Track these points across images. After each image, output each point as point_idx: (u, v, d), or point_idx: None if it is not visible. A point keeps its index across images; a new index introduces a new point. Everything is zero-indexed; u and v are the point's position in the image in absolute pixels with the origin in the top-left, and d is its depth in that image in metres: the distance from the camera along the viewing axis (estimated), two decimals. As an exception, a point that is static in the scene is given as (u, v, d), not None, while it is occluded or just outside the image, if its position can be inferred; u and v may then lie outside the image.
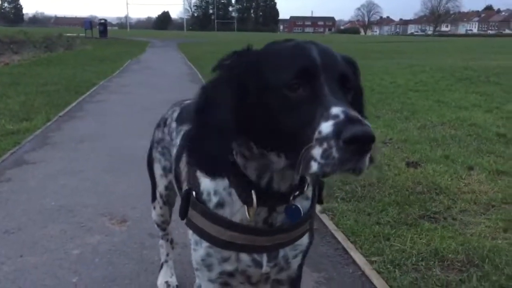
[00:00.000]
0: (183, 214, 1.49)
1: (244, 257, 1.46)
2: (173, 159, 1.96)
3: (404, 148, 5.61)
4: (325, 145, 1.02)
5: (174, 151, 1.95)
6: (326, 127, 1.03)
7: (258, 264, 1.48)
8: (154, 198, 2.40)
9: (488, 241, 3.22)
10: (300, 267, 1.64)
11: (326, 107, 1.07)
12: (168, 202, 2.37)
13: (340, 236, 3.31)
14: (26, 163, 4.93)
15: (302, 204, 1.46)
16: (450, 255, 3.01)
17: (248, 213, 1.36)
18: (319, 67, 1.15)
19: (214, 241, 1.42)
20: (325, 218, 3.60)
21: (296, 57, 1.18)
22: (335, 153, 1.01)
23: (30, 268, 2.84)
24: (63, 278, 2.74)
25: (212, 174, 1.29)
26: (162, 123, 2.18)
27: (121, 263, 2.93)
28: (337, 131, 1.00)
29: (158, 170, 2.24)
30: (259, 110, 1.18)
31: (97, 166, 4.81)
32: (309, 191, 1.49)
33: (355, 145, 1.00)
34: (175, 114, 2.08)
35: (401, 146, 5.70)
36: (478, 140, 5.98)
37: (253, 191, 1.33)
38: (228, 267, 1.47)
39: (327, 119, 1.04)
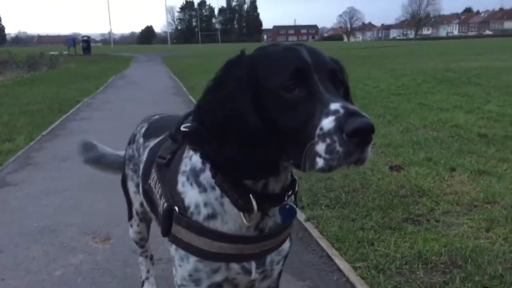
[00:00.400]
0: (166, 231, 1.48)
1: (234, 265, 1.47)
2: (140, 176, 1.95)
3: (387, 152, 5.65)
4: (328, 140, 1.06)
5: (141, 167, 1.94)
6: (327, 123, 1.07)
7: (247, 272, 1.48)
8: (130, 216, 2.39)
9: (471, 241, 3.25)
10: (280, 274, 1.66)
11: (324, 104, 1.11)
12: (144, 219, 2.36)
13: (324, 243, 3.32)
14: (7, 184, 4.87)
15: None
16: (433, 257, 3.03)
17: (246, 219, 1.37)
18: (311, 67, 1.19)
19: (202, 254, 1.42)
20: (309, 226, 3.61)
21: (289, 59, 1.22)
22: (339, 147, 1.06)
23: (12, 292, 2.81)
24: (46, 300, 2.71)
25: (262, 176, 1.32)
26: (132, 140, 2.17)
27: (105, 281, 2.90)
28: (339, 126, 1.05)
29: (131, 187, 2.22)
30: (261, 109, 1.20)
31: (80, 185, 4.77)
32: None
33: (358, 137, 1.05)
34: (143, 130, 2.08)
35: (384, 150, 5.74)
36: (460, 141, 6.05)
37: (251, 196, 1.34)
38: (218, 277, 1.47)
39: (327, 115, 1.08)
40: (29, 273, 3.03)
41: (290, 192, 1.40)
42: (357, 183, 4.49)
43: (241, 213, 1.37)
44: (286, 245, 1.59)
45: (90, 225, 3.75)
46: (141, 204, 2.25)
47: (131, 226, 2.43)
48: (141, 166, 1.92)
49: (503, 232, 3.38)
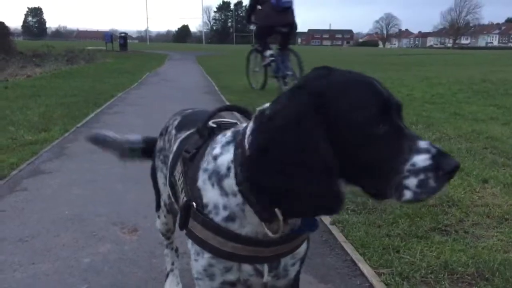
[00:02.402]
0: (183, 225, 1.51)
1: (246, 267, 1.48)
2: (168, 167, 1.97)
3: (418, 160, 5.56)
4: (421, 176, 1.16)
5: (170, 158, 1.97)
6: (421, 160, 1.17)
7: (260, 274, 1.49)
8: (158, 207, 2.43)
9: (500, 254, 3.18)
10: (298, 273, 1.66)
11: (412, 141, 1.21)
12: (171, 211, 2.39)
13: (349, 248, 3.30)
14: (42, 173, 5.03)
15: None
16: (460, 268, 2.97)
17: (270, 229, 1.38)
18: (390, 103, 1.25)
19: (216, 252, 1.44)
20: (334, 230, 3.59)
21: (372, 92, 1.25)
22: (433, 183, 1.16)
23: (41, 275, 2.90)
24: (73, 285, 2.79)
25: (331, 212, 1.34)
26: (164, 132, 2.21)
27: (130, 271, 2.97)
28: (435, 164, 1.16)
29: (160, 179, 2.26)
30: (339, 143, 1.21)
31: (111, 176, 4.88)
32: None
33: (451, 175, 1.19)
34: (176, 122, 2.12)
35: (415, 158, 5.65)
36: (494, 153, 5.91)
37: (276, 209, 1.33)
38: (230, 276, 1.49)
39: (418, 152, 1.18)
40: (58, 259, 3.12)
41: None
42: (385, 190, 4.44)
43: (263, 223, 1.38)
44: (303, 248, 1.58)
45: (118, 215, 3.84)
46: (169, 196, 2.29)
47: (158, 217, 2.47)
48: (170, 157, 1.95)
49: (534, 247, 3.29)
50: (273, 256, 1.48)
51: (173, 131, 2.08)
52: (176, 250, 2.70)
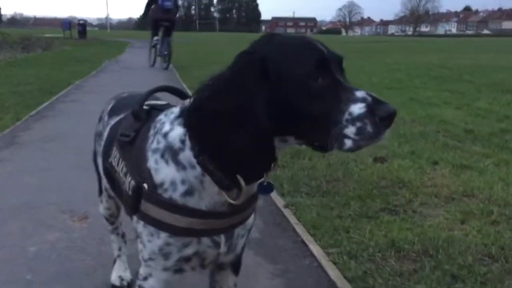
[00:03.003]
0: (133, 209, 1.49)
1: (205, 239, 1.48)
2: (100, 154, 1.95)
3: (372, 144, 5.67)
4: (358, 124, 1.20)
5: (101, 148, 1.94)
6: (357, 109, 1.21)
7: (217, 245, 1.51)
8: (100, 192, 2.40)
9: (445, 232, 3.29)
10: (243, 248, 1.68)
11: (349, 92, 1.25)
12: (113, 196, 2.36)
13: (300, 229, 3.34)
14: (-9, 162, 4.87)
15: None
16: (406, 246, 3.06)
17: (230, 197, 1.40)
18: (328, 57, 1.30)
19: (173, 230, 1.43)
20: (287, 212, 3.63)
21: (307, 50, 1.31)
22: (370, 128, 1.20)
23: (-15, 265, 2.82)
24: (18, 274, 2.72)
25: (255, 178, 1.39)
26: (100, 116, 2.18)
27: (79, 259, 2.92)
28: (370, 111, 1.21)
29: (100, 163, 2.23)
30: (281, 99, 1.26)
31: (64, 164, 4.77)
32: None
33: (388, 121, 1.23)
34: (109, 107, 2.09)
35: (370, 142, 5.75)
36: (446, 136, 6.09)
37: (238, 176, 1.35)
38: (188, 251, 1.48)
39: (355, 102, 1.22)
40: (3, 247, 3.03)
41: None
42: (339, 173, 4.52)
43: (223, 191, 1.39)
44: (251, 218, 1.62)
45: (69, 203, 3.76)
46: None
47: (101, 201, 2.44)
48: (102, 144, 1.92)
49: (477, 224, 3.42)
50: (228, 226, 1.50)
51: (106, 117, 2.05)
52: (123, 236, 2.66)
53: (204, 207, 1.42)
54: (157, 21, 13.94)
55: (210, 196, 1.41)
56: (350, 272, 2.76)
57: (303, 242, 3.18)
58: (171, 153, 1.43)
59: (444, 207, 3.76)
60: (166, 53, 14.10)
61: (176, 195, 1.41)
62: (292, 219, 3.52)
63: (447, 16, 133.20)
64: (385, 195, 3.96)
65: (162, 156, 1.44)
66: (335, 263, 2.87)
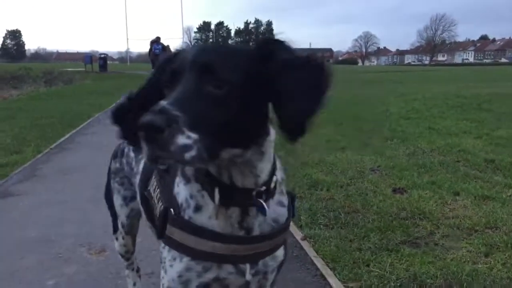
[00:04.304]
0: (161, 233, 1.49)
1: (227, 265, 1.46)
2: (137, 186, 1.97)
3: (391, 174, 5.61)
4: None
5: (137, 178, 1.96)
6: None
7: (240, 272, 1.47)
8: (115, 229, 2.40)
9: (468, 265, 3.20)
10: (273, 284, 1.64)
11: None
12: (130, 232, 2.37)
13: (319, 262, 3.28)
14: (11, 195, 4.93)
15: (277, 210, 1.49)
16: (428, 280, 2.98)
17: (215, 212, 1.39)
18: (185, 66, 1.23)
19: (195, 254, 1.42)
20: (305, 245, 3.58)
21: (175, 61, 1.29)
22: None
23: (3, 300, 2.82)
24: (35, 308, 2.72)
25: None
26: (119, 154, 2.20)
27: (95, 293, 2.91)
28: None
29: (118, 201, 2.25)
30: None
31: (82, 197, 4.80)
32: (284, 199, 1.53)
33: (141, 133, 1.10)
34: None
35: (388, 172, 5.70)
36: (466, 166, 5.99)
37: (216, 188, 1.36)
38: (209, 275, 1.45)
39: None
40: (22, 282, 3.04)
41: (263, 188, 1.39)
42: (358, 204, 4.46)
43: (214, 207, 1.39)
44: (281, 252, 1.57)
45: (87, 236, 3.76)
46: (127, 217, 2.26)
47: (117, 239, 2.44)
48: (137, 177, 1.93)
49: (502, 257, 3.32)
50: (252, 255, 1.46)
51: (131, 154, 2.07)
52: (138, 271, 2.65)
53: (218, 228, 1.41)
54: (152, 60, 22.08)
55: (219, 215, 1.40)
56: (371, 308, 2.69)
57: (322, 275, 3.12)
58: (183, 169, 1.46)
59: (467, 239, 3.66)
60: None
61: (190, 212, 1.42)
62: (311, 252, 3.46)
63: (464, 45, 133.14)
64: (406, 227, 3.88)
65: (180, 176, 1.46)
66: (355, 298, 2.79)
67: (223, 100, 1.20)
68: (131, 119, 1.32)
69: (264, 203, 1.39)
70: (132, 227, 2.35)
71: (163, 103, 1.13)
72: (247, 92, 1.24)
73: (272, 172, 1.43)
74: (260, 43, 1.32)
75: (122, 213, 2.27)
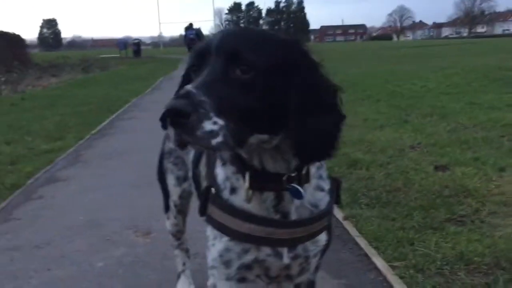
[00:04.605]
0: (203, 211, 1.53)
1: (265, 247, 1.48)
2: (190, 164, 2.01)
3: (432, 151, 5.49)
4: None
5: (190, 156, 1.99)
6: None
7: (278, 255, 1.49)
8: (167, 208, 2.45)
9: (517, 242, 3.11)
10: (317, 268, 1.65)
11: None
12: (182, 211, 2.42)
13: (362, 242, 3.27)
14: (57, 180, 5.10)
15: (316, 195, 1.49)
16: (476, 258, 2.91)
17: (249, 198, 1.39)
18: (210, 50, 1.24)
19: (233, 234, 1.45)
20: (348, 225, 3.56)
21: (201, 44, 1.31)
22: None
23: (56, 281, 2.94)
24: (88, 289, 2.82)
25: None
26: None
27: (144, 274, 2.99)
28: None
29: (171, 181, 2.30)
30: None
31: (125, 181, 4.92)
32: (325, 184, 1.52)
33: (168, 118, 1.12)
34: None
35: (429, 150, 5.58)
36: (511, 140, 5.79)
37: (247, 173, 1.38)
38: (248, 257, 1.48)
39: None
40: (73, 264, 3.15)
41: (294, 174, 1.39)
42: (399, 183, 4.39)
43: (246, 190, 1.39)
44: (323, 237, 1.56)
45: (132, 219, 3.86)
46: (180, 197, 2.32)
47: (168, 218, 2.50)
48: (190, 155, 1.96)
49: (553, 234, 3.22)
50: (289, 239, 1.47)
51: None
52: (187, 251, 2.70)
53: (254, 211, 1.42)
54: (187, 44, 24.09)
55: (254, 198, 1.41)
56: (418, 287, 2.67)
57: (366, 255, 3.10)
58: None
59: (515, 217, 3.56)
60: None
61: (226, 194, 1.45)
62: (353, 232, 3.44)
63: (504, 15, 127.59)
64: (450, 205, 3.80)
65: (220, 157, 1.49)
66: (401, 277, 2.77)
67: (249, 85, 1.20)
68: None
69: (298, 187, 1.39)
70: (184, 206, 2.40)
71: (189, 87, 1.13)
72: (273, 78, 1.23)
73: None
74: (290, 43, 1.32)
75: (175, 193, 2.33)
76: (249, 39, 1.28)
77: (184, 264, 2.69)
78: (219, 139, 1.12)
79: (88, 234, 3.63)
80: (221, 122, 1.12)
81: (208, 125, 1.11)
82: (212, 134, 1.11)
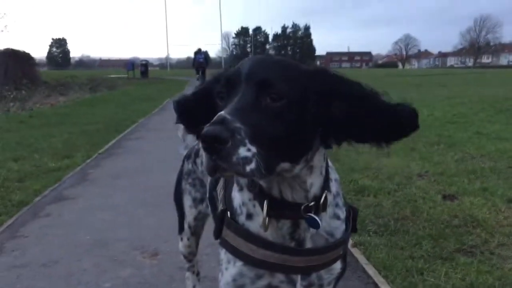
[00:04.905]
0: (218, 234, 1.52)
1: (278, 274, 1.47)
2: (209, 186, 2.01)
3: (440, 180, 5.48)
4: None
5: (208, 177, 1.99)
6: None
7: (292, 282, 1.48)
8: (181, 229, 2.44)
9: (528, 276, 3.09)
10: None
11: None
12: (196, 233, 2.42)
13: (371, 270, 3.24)
14: (65, 198, 5.10)
15: (332, 223, 1.48)
16: (486, 291, 2.89)
17: (264, 223, 1.39)
18: (240, 77, 1.24)
19: (247, 260, 1.44)
20: (356, 252, 3.54)
21: (229, 70, 1.33)
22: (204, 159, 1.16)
23: (63, 300, 2.92)
24: (94, 310, 2.80)
25: None
26: (193, 155, 2.24)
27: (151, 296, 2.97)
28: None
29: (188, 201, 2.31)
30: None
31: (132, 201, 4.92)
32: (341, 212, 1.51)
33: (204, 144, 1.11)
34: None
35: (437, 178, 5.58)
36: (519, 172, 5.78)
37: (265, 201, 1.37)
38: (261, 283, 1.47)
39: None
40: (80, 283, 3.14)
41: (312, 203, 1.39)
42: (407, 211, 4.38)
43: (263, 217, 1.39)
44: (338, 265, 1.55)
45: (139, 240, 3.85)
46: (195, 218, 2.32)
47: (181, 239, 2.49)
48: (209, 178, 1.97)
49: None
50: (304, 267, 1.46)
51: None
52: (198, 274, 2.69)
53: (270, 238, 1.42)
54: (196, 67, 26.43)
55: (270, 226, 1.41)
56: (428, 317, 2.64)
57: (374, 283, 3.08)
58: (239, 179, 1.48)
59: (525, 249, 3.54)
60: (201, 82, 24.30)
61: (242, 219, 1.45)
62: (362, 259, 3.42)
63: (510, 47, 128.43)
64: (459, 235, 3.78)
65: (237, 183, 1.49)
66: (411, 307, 2.74)
67: (280, 114, 1.21)
68: (192, 109, 1.46)
69: (316, 217, 1.39)
70: (198, 228, 2.40)
71: (224, 114, 1.14)
72: (303, 106, 1.25)
73: (324, 187, 1.42)
74: (319, 70, 1.34)
75: (190, 214, 2.33)
76: (278, 67, 1.29)
77: (194, 287, 2.67)
78: (252, 165, 1.13)
79: (95, 254, 3.62)
80: (254, 149, 1.13)
81: (243, 152, 1.11)
82: (246, 160, 1.12)
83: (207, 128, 1.10)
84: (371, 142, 1.32)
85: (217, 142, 1.09)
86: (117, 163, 6.89)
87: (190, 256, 2.56)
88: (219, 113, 1.15)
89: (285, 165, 1.28)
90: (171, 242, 3.71)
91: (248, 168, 1.12)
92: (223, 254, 1.52)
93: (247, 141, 1.12)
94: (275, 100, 1.21)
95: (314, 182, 1.39)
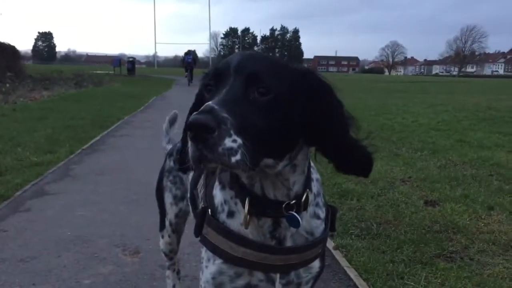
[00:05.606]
0: (198, 231, 1.52)
1: (257, 272, 1.47)
2: (189, 184, 2.01)
3: (423, 186, 5.54)
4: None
5: (190, 176, 1.99)
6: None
7: (270, 280, 1.48)
8: (162, 227, 2.43)
9: (506, 282, 3.13)
10: None
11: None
12: (177, 231, 2.41)
13: (352, 273, 3.26)
14: (46, 194, 5.04)
15: (312, 223, 1.49)
16: (465, 296, 2.93)
17: (245, 221, 1.39)
18: (229, 69, 1.24)
19: (227, 257, 1.44)
20: (338, 255, 3.56)
21: (218, 63, 1.33)
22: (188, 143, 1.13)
23: (41, 296, 2.88)
24: (73, 307, 2.76)
25: None
26: (175, 152, 2.22)
27: (131, 294, 2.94)
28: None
29: (168, 199, 2.29)
30: None
31: (115, 198, 4.88)
32: (321, 211, 1.52)
33: (190, 132, 1.09)
34: None
35: (420, 184, 5.63)
36: (499, 180, 5.87)
37: (247, 199, 1.37)
38: (240, 281, 1.47)
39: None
40: (59, 280, 3.10)
41: (293, 201, 1.39)
42: (390, 215, 4.41)
43: (244, 215, 1.39)
44: (316, 264, 1.56)
45: (121, 237, 3.82)
46: (176, 215, 2.31)
47: (162, 237, 2.47)
48: (190, 175, 1.97)
49: (541, 275, 3.24)
50: (283, 265, 1.46)
51: None
52: (178, 273, 2.67)
53: (250, 236, 1.42)
54: (185, 66, 30.01)
55: (251, 224, 1.41)
56: (407, 321, 2.66)
57: (355, 286, 3.09)
58: (221, 177, 1.48)
59: (503, 255, 3.59)
60: (191, 83, 28.74)
61: (224, 217, 1.45)
62: (343, 262, 3.44)
63: (494, 57, 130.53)
64: (440, 240, 3.82)
65: (219, 181, 1.49)
66: (390, 311, 2.76)
67: (266, 108, 1.21)
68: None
69: (297, 215, 1.39)
70: (179, 226, 2.39)
71: (212, 104, 1.13)
72: (289, 103, 1.26)
73: (306, 185, 1.43)
74: (306, 70, 1.37)
75: (171, 211, 2.32)
76: (268, 62, 1.30)
77: (174, 286, 2.66)
78: (237, 157, 1.12)
79: (75, 250, 3.57)
80: (239, 140, 1.12)
81: (228, 142, 1.10)
82: (232, 151, 1.11)
83: (194, 116, 1.09)
84: (330, 160, 1.37)
85: (204, 131, 1.08)
86: (100, 160, 6.83)
87: (171, 254, 2.55)
88: (206, 103, 1.14)
89: (269, 161, 1.28)
90: (152, 240, 3.69)
91: (233, 159, 1.11)
92: (204, 252, 1.52)
93: (232, 132, 1.11)
94: (263, 94, 1.22)
95: (296, 180, 1.39)
